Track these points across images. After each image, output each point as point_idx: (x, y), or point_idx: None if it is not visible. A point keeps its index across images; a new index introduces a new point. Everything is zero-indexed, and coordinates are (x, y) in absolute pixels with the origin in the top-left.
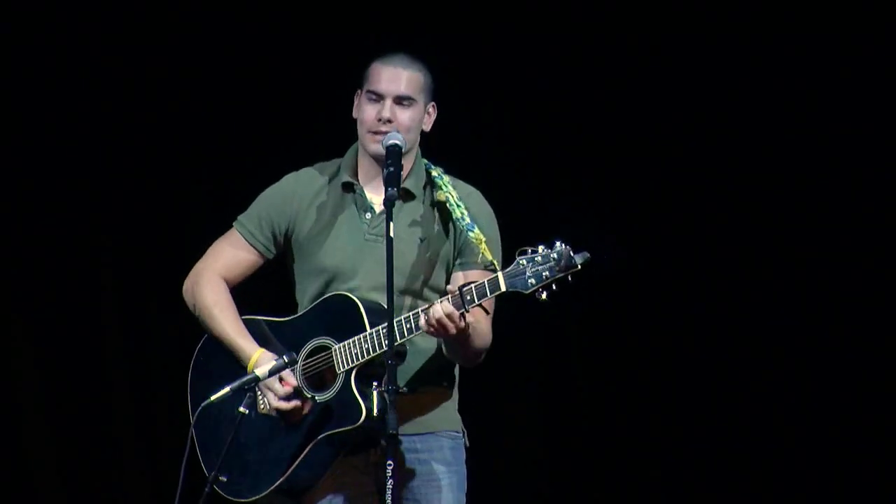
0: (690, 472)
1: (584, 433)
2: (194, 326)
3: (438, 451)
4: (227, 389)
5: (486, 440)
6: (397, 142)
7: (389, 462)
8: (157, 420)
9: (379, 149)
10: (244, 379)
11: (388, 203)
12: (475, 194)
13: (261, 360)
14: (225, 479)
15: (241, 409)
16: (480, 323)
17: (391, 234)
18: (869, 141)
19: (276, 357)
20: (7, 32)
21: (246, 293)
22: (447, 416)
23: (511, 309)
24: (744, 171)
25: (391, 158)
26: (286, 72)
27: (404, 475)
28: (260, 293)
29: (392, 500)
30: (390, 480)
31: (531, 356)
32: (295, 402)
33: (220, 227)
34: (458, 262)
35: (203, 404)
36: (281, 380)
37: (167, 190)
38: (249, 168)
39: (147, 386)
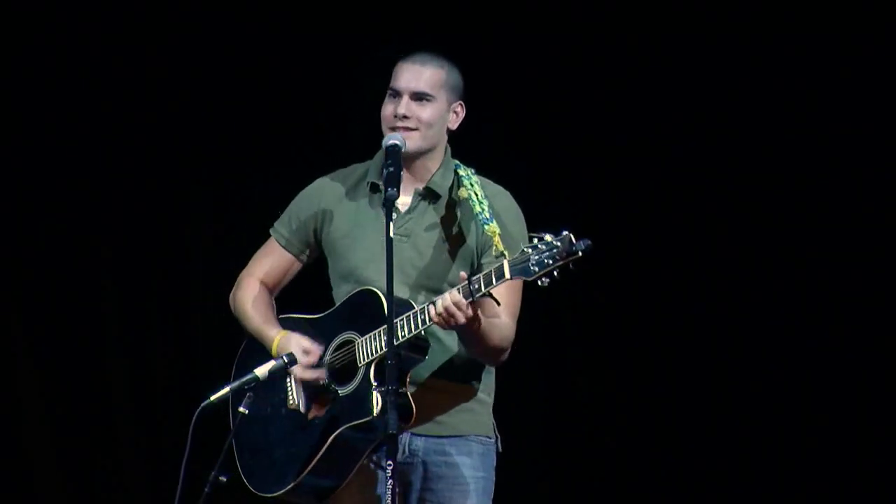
0: (693, 471)
1: (586, 432)
2: (194, 326)
3: (467, 455)
4: (226, 389)
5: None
6: (396, 142)
7: (389, 462)
8: (158, 420)
9: None
10: (243, 379)
11: (388, 203)
12: (503, 193)
13: (283, 342)
14: (225, 479)
15: (241, 409)
16: (498, 317)
17: (391, 235)
18: (869, 141)
19: (301, 338)
20: (7, 32)
21: (289, 296)
22: (478, 419)
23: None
24: (744, 169)
25: (391, 158)
26: (288, 73)
27: (431, 478)
28: (303, 295)
29: (392, 499)
30: (390, 481)
31: (532, 354)
32: (319, 372)
33: (220, 227)
34: (482, 260)
35: (203, 404)
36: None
37: (167, 190)
38: (249, 169)
39: (148, 386)
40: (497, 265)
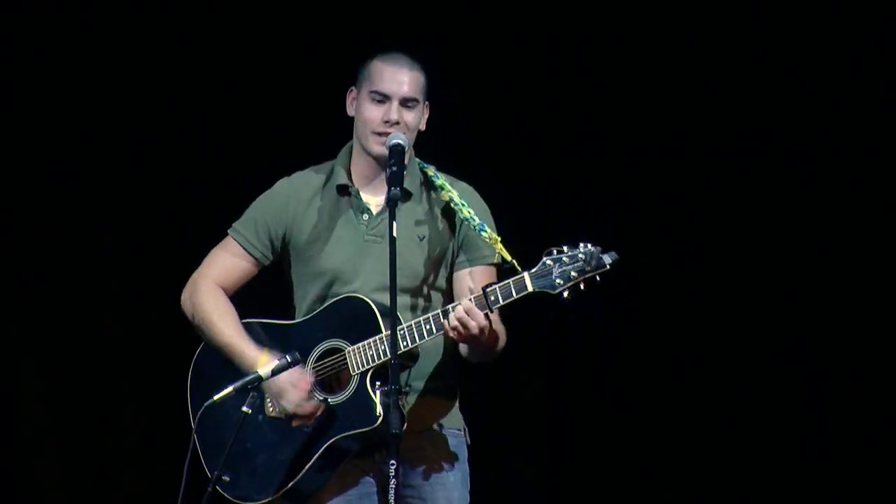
0: (693, 471)
1: (586, 432)
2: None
3: (443, 448)
4: (230, 389)
5: (487, 438)
6: (400, 141)
7: (392, 462)
8: (160, 422)
9: (383, 150)
10: (247, 378)
11: (392, 202)
12: (471, 191)
13: (267, 364)
14: (228, 479)
15: (244, 408)
16: (496, 322)
17: (394, 234)
18: (868, 141)
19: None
20: (7, 33)
21: (241, 297)
22: (451, 413)
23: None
24: (745, 170)
25: (394, 158)
26: (281, 73)
27: (409, 473)
28: (255, 297)
29: (395, 499)
30: (393, 480)
31: (532, 353)
32: (313, 403)
33: (219, 227)
34: (459, 259)
35: (206, 404)
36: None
37: (168, 187)
38: (250, 166)
39: (149, 387)
40: (517, 278)
